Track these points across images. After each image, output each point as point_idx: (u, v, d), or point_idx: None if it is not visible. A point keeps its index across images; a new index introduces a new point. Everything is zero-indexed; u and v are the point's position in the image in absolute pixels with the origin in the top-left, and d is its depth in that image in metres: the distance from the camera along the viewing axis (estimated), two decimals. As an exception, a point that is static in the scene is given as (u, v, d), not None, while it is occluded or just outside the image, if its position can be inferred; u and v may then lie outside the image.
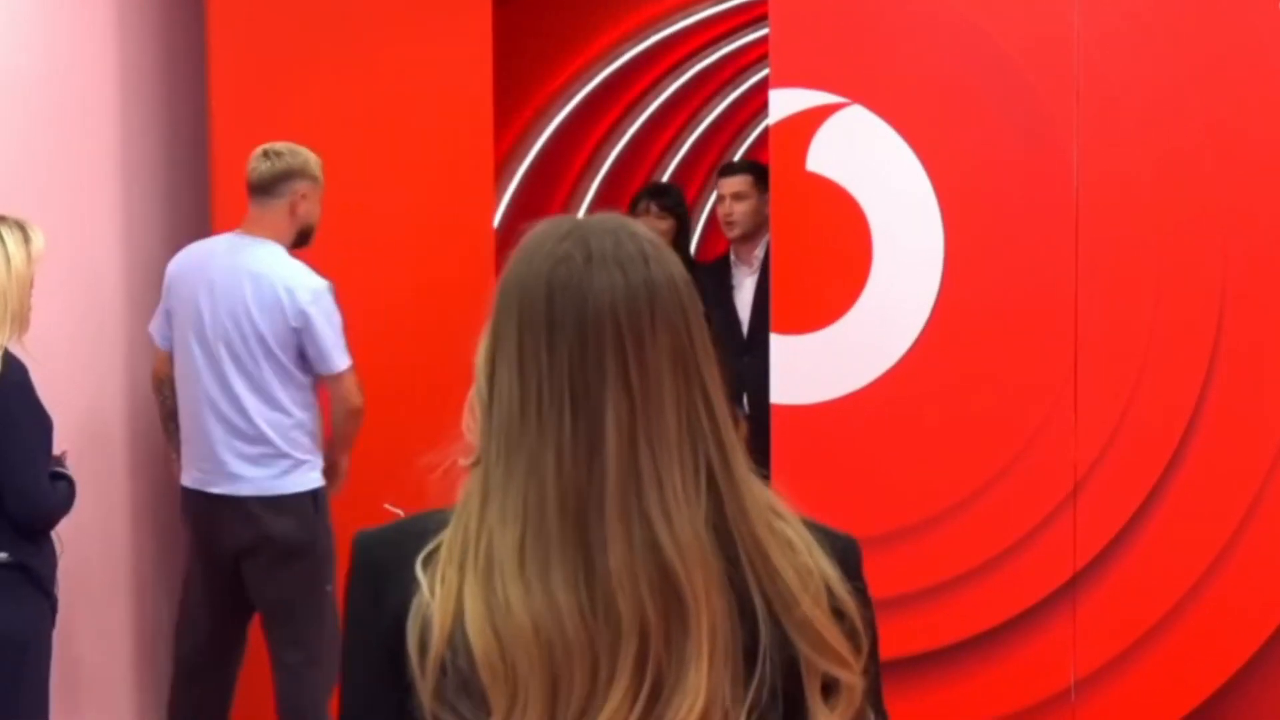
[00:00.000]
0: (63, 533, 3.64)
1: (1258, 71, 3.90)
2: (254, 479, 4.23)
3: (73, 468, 3.69)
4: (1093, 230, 4.02)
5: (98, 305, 4.49)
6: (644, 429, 1.35)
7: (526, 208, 6.32)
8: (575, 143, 6.65)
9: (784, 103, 4.20)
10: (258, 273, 4.20)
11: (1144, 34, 3.97)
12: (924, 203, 4.13)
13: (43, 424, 3.55)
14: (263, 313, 4.18)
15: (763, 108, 4.91)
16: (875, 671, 1.44)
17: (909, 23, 4.13)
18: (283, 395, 4.23)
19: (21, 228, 3.53)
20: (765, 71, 4.45)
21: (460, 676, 1.34)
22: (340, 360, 4.25)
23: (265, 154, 4.28)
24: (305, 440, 4.28)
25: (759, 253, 5.28)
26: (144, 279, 4.61)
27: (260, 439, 4.22)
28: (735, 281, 5.35)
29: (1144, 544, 4.02)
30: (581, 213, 6.81)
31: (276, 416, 4.23)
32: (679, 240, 5.61)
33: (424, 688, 1.34)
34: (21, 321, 3.49)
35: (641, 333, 1.35)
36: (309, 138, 4.76)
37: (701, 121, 7.42)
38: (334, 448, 4.36)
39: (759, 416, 5.07)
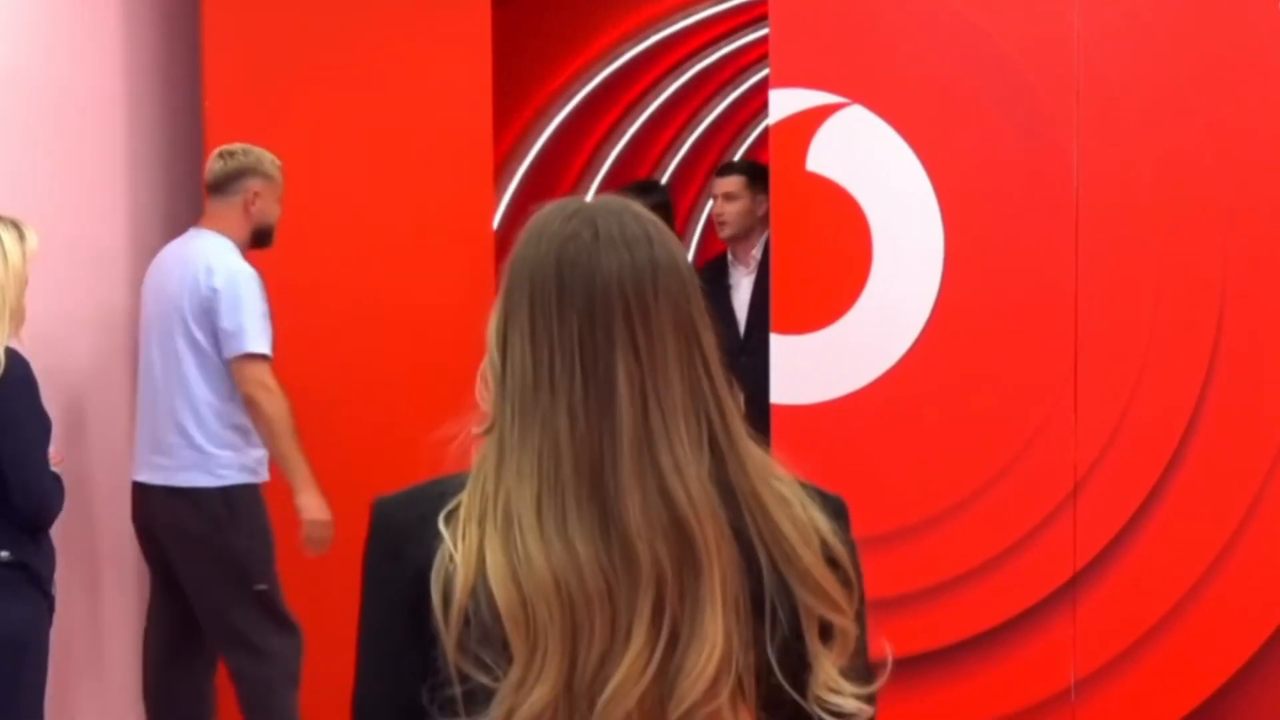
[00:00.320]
0: (61, 527, 3.64)
1: (1258, 71, 3.90)
2: (163, 468, 4.24)
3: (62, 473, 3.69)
4: (1093, 230, 4.02)
5: (105, 303, 4.50)
6: (653, 390, 1.42)
7: (526, 208, 6.31)
8: (575, 143, 6.65)
9: (784, 103, 4.20)
10: (188, 257, 4.27)
11: (1144, 34, 3.97)
12: (924, 203, 4.13)
13: (44, 421, 3.56)
14: (182, 292, 4.22)
15: (763, 108, 4.91)
16: (864, 616, 1.53)
17: (909, 23, 4.12)
18: (198, 381, 4.20)
19: (16, 226, 3.55)
20: (765, 71, 4.45)
21: (483, 628, 1.39)
22: (245, 344, 4.18)
23: (220, 154, 4.37)
24: (224, 432, 4.23)
25: (756, 253, 5.28)
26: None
27: (175, 427, 4.22)
28: (732, 282, 5.35)
29: (1144, 544, 4.01)
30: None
31: (190, 403, 4.21)
32: None
33: (448, 639, 1.39)
34: (18, 318, 3.51)
35: (647, 305, 1.43)
36: (308, 138, 4.77)
37: (701, 121, 7.42)
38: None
39: (757, 417, 5.08)
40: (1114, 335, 4.01)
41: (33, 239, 3.57)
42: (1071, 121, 4.01)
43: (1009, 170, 4.07)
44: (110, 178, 4.60)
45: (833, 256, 4.21)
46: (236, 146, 4.40)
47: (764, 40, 4.42)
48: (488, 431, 1.46)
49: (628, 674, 1.37)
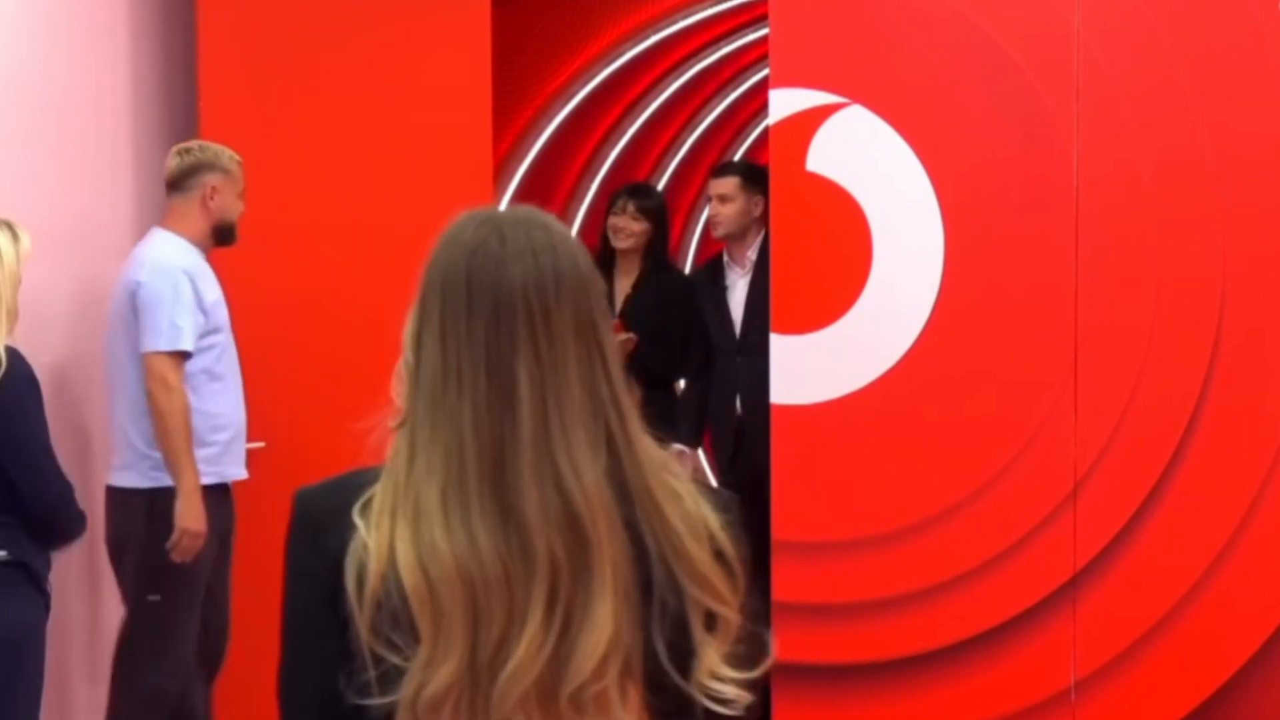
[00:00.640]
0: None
1: (1258, 71, 3.90)
2: (112, 466, 4.24)
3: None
4: (1093, 230, 4.02)
5: (104, 302, 4.49)
6: (552, 391, 1.52)
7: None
8: (575, 143, 6.64)
9: (784, 103, 4.20)
10: (135, 257, 4.24)
11: (1144, 33, 3.97)
12: (924, 203, 4.13)
13: (44, 419, 3.56)
14: (122, 293, 4.20)
15: (763, 108, 4.91)
16: (754, 604, 1.62)
17: (909, 23, 4.12)
18: (135, 381, 4.17)
19: (10, 227, 3.56)
20: (765, 71, 4.45)
21: (393, 611, 1.49)
22: (154, 340, 4.11)
23: (176, 151, 4.34)
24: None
25: (752, 254, 5.28)
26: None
27: (118, 427, 4.22)
28: (728, 283, 5.34)
29: (1144, 544, 4.01)
30: (581, 212, 6.76)
31: (128, 403, 4.20)
32: (655, 243, 5.45)
33: (361, 621, 1.49)
34: (13, 317, 3.52)
35: (549, 309, 1.53)
36: (307, 138, 4.77)
37: (701, 121, 7.41)
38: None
39: (753, 417, 5.09)
40: (1114, 335, 4.01)
41: (25, 239, 3.58)
42: (1071, 121, 4.01)
43: (1009, 170, 4.07)
44: (111, 177, 4.60)
45: (833, 256, 4.21)
46: (193, 143, 4.38)
47: (764, 40, 4.42)
48: (401, 427, 1.55)
49: (525, 654, 1.47)
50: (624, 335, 5.14)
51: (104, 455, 4.33)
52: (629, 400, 1.58)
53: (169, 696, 4.23)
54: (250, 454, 4.44)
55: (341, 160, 4.72)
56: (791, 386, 4.22)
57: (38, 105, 4.24)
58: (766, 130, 4.34)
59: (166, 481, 4.13)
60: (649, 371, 5.26)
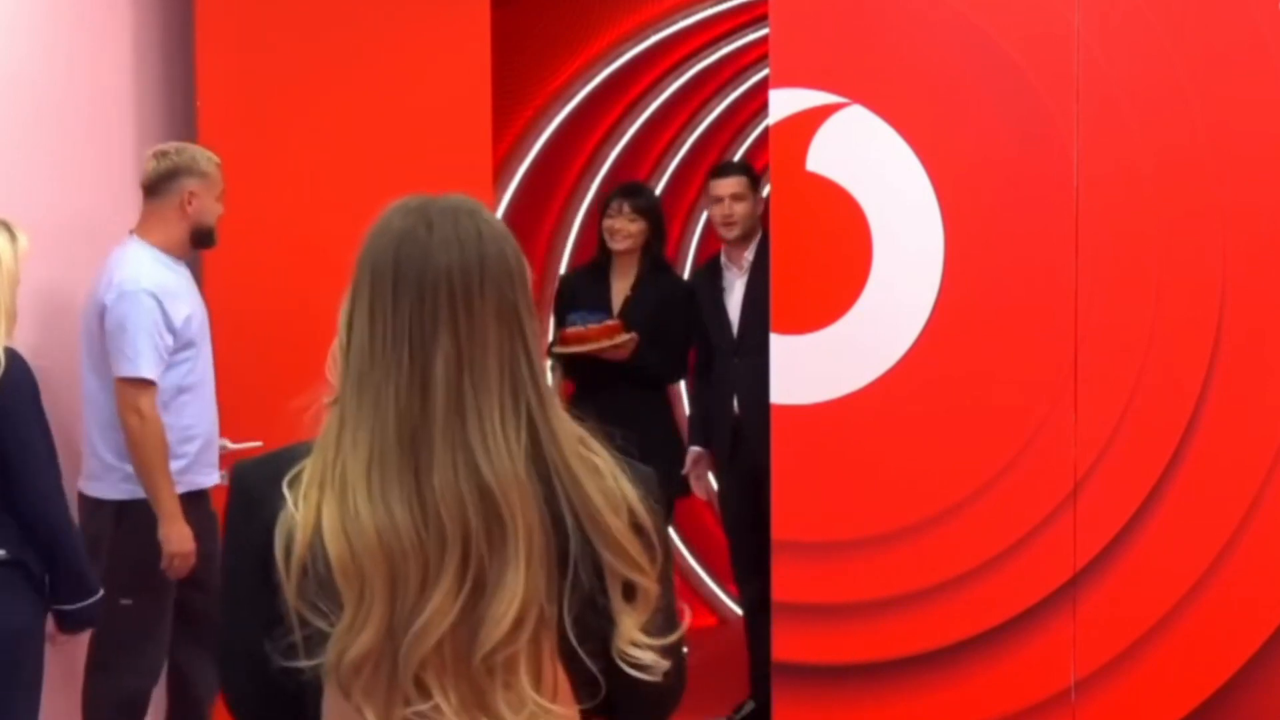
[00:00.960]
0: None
1: (1258, 71, 3.90)
2: (84, 474, 4.23)
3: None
4: (1093, 230, 4.02)
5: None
6: (469, 371, 1.60)
7: (526, 208, 6.32)
8: (575, 143, 6.64)
9: (784, 103, 4.20)
10: (107, 267, 4.20)
11: (1144, 33, 3.97)
12: (924, 203, 4.13)
13: (44, 420, 3.55)
14: (91, 304, 4.18)
15: (763, 108, 4.91)
16: (669, 576, 1.72)
17: (909, 23, 4.12)
18: (101, 391, 4.16)
19: (7, 228, 3.56)
20: (765, 71, 4.44)
21: (319, 578, 1.58)
22: (123, 367, 4.09)
23: (153, 155, 4.29)
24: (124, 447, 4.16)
25: (749, 255, 5.27)
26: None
27: (89, 437, 4.21)
28: (725, 284, 5.33)
29: (1144, 544, 4.01)
30: (580, 213, 6.73)
31: (97, 414, 4.18)
32: (652, 243, 5.39)
33: (289, 588, 1.59)
34: (12, 318, 3.51)
35: (471, 293, 1.62)
36: (306, 138, 4.77)
37: (701, 121, 7.41)
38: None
39: (750, 417, 5.09)
40: (1114, 335, 4.01)
41: (23, 240, 3.58)
42: (1071, 120, 4.01)
43: (1009, 170, 4.07)
44: (110, 178, 4.60)
45: (833, 256, 4.21)
46: (170, 146, 4.32)
47: (764, 40, 4.41)
48: (334, 404, 1.65)
49: (430, 617, 1.56)
50: (624, 336, 5.13)
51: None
52: (547, 381, 1.68)
53: (144, 699, 4.24)
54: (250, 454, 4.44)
55: (341, 160, 4.72)
56: (791, 386, 4.22)
57: (37, 105, 4.24)
58: (766, 130, 4.34)
59: (137, 494, 4.14)
60: (644, 372, 5.25)
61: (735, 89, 7.39)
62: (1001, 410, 4.09)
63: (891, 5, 4.15)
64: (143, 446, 4.09)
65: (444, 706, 1.57)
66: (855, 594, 4.17)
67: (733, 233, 5.26)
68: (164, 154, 4.28)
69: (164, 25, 4.90)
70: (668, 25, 6.55)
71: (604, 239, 5.40)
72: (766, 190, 5.89)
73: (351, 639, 1.56)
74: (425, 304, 1.61)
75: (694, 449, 5.51)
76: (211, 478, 4.35)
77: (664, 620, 1.69)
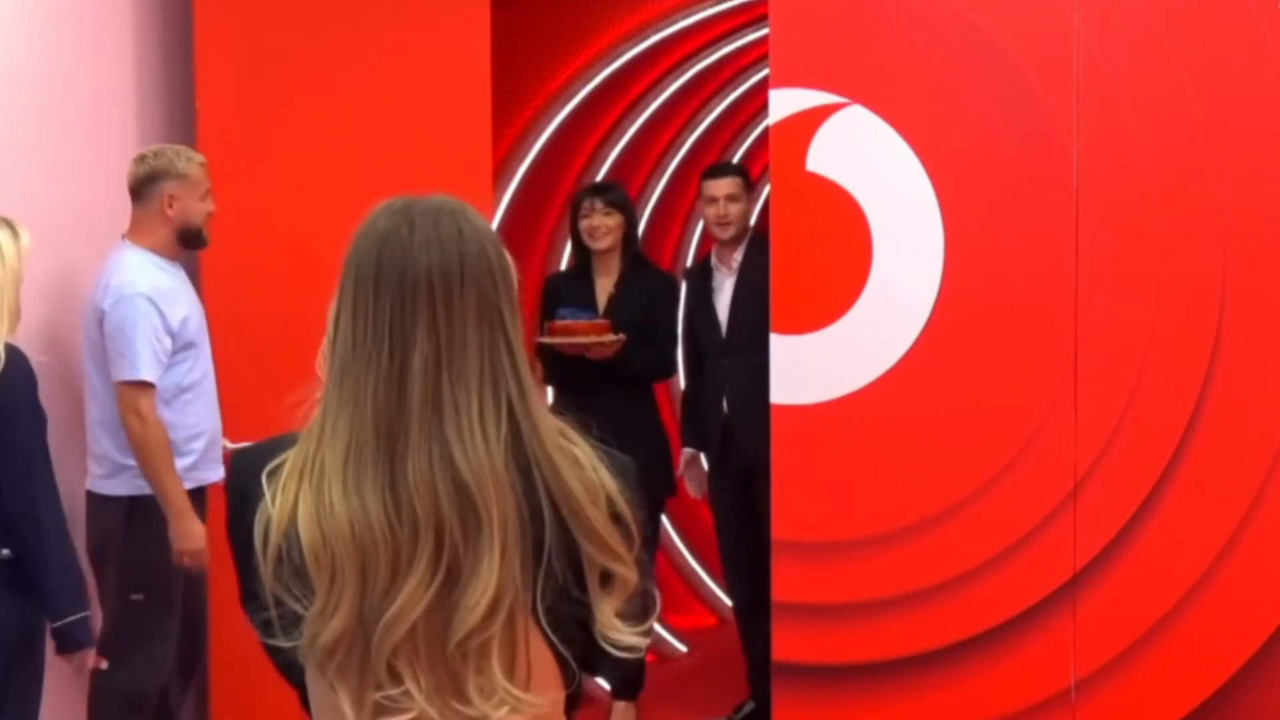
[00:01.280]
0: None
1: (1258, 71, 3.90)
2: (93, 474, 4.24)
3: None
4: (1093, 229, 4.02)
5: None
6: (447, 367, 1.65)
7: (526, 208, 6.31)
8: (575, 143, 6.63)
9: (784, 103, 4.20)
10: (102, 271, 4.22)
11: (1144, 32, 3.97)
12: (924, 203, 4.13)
13: (41, 417, 3.56)
14: (89, 308, 4.20)
15: (763, 108, 4.90)
16: (646, 560, 1.76)
17: (909, 23, 4.12)
18: (105, 392, 4.17)
19: (10, 225, 3.56)
20: (765, 71, 4.44)
21: (294, 565, 1.64)
22: (123, 371, 4.11)
23: (135, 159, 4.29)
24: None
25: (738, 255, 5.27)
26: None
27: (95, 437, 4.22)
28: (715, 285, 5.33)
29: (1144, 544, 4.01)
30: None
31: (103, 415, 4.20)
32: (629, 237, 5.37)
33: (265, 571, 1.65)
34: (15, 316, 3.52)
35: (451, 291, 1.66)
36: (306, 138, 4.76)
37: (701, 121, 7.40)
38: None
39: (740, 418, 5.09)
40: (1114, 335, 4.01)
41: (26, 237, 3.58)
42: (1071, 120, 4.01)
43: (1009, 170, 4.07)
44: (110, 179, 4.60)
45: (833, 256, 4.21)
46: (150, 150, 4.32)
47: (764, 40, 4.41)
48: (323, 398, 1.71)
49: (403, 605, 1.61)
50: (612, 336, 5.11)
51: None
52: (529, 375, 1.72)
53: (150, 694, 4.24)
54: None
55: (341, 160, 4.72)
56: (791, 386, 4.22)
57: (37, 105, 4.24)
58: (766, 130, 4.34)
59: (146, 489, 4.16)
60: (630, 370, 5.23)
61: (735, 89, 7.38)
62: (1001, 410, 4.09)
63: (891, 5, 4.15)
64: (145, 448, 4.11)
65: (414, 691, 1.63)
66: (855, 594, 4.17)
67: (728, 233, 5.27)
68: (143, 158, 4.28)
69: (164, 25, 4.90)
70: (668, 25, 6.54)
71: (581, 241, 5.38)
72: (760, 191, 5.88)
73: (323, 624, 1.62)
74: (405, 303, 1.66)
75: (687, 450, 5.52)
76: (217, 473, 4.36)
77: (642, 604, 1.74)
